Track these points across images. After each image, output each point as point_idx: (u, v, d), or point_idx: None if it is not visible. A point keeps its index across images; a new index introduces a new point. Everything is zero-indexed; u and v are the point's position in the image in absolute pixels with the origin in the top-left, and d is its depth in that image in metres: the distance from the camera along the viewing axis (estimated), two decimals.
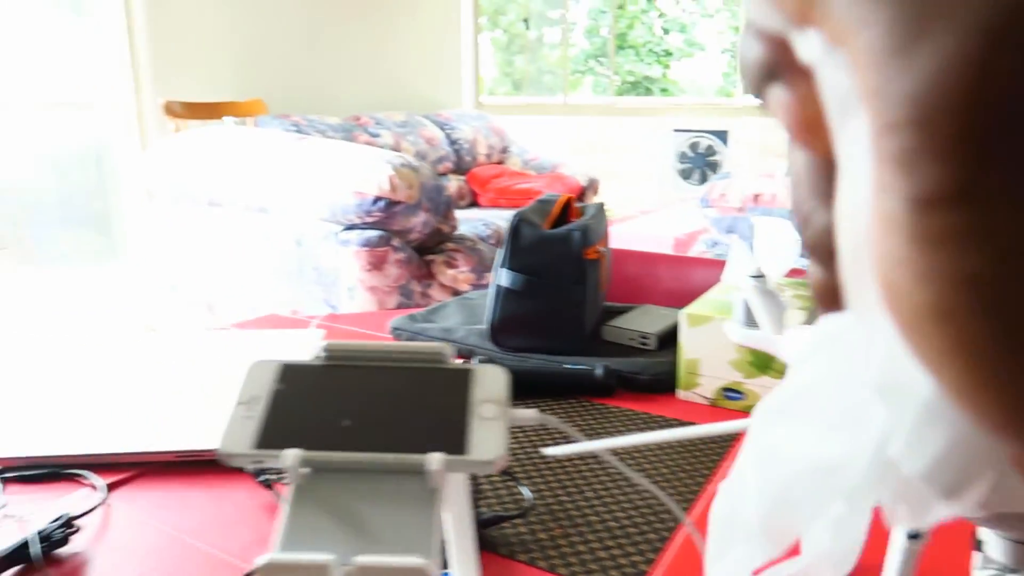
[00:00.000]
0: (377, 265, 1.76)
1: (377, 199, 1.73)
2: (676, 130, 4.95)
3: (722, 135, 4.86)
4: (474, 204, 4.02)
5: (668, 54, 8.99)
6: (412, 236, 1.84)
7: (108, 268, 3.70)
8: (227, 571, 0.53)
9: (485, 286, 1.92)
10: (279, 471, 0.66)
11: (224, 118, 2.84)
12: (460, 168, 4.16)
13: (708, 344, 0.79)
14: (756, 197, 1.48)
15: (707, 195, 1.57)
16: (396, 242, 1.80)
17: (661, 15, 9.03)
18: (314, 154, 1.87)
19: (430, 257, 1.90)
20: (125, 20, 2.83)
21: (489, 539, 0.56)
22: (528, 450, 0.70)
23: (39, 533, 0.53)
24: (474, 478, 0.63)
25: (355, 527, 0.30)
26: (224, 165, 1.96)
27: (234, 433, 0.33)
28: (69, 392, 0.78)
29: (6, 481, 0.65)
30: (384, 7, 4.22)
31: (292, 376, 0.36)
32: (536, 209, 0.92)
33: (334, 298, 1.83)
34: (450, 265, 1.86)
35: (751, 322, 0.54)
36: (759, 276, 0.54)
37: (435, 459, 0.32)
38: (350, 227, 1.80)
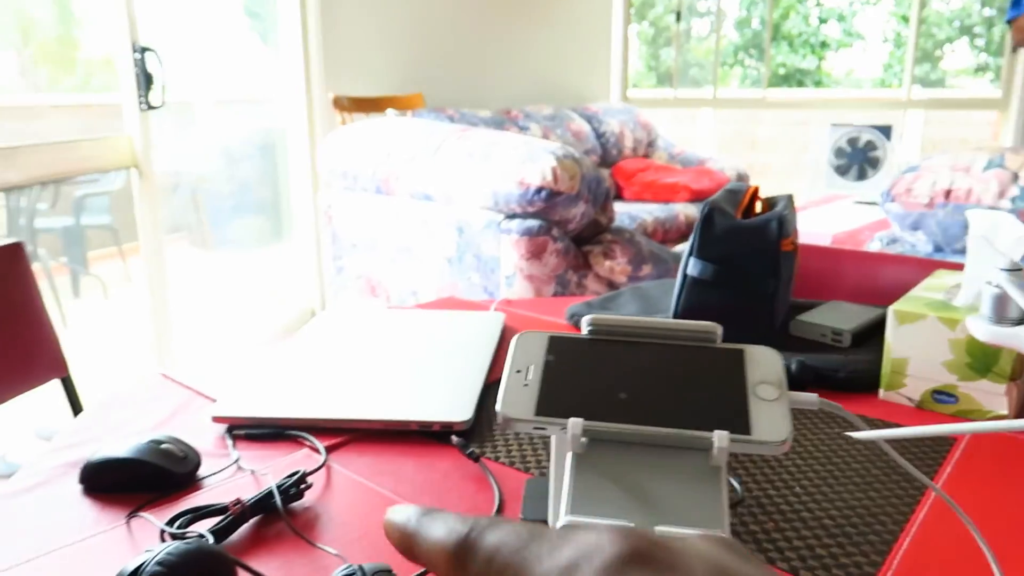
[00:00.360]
0: (536, 254, 1.78)
1: (539, 189, 1.75)
2: (834, 124, 4.70)
3: (885, 130, 4.57)
4: (618, 198, 3.99)
5: (824, 45, 8.55)
6: (571, 226, 1.85)
7: (275, 251, 3.96)
8: None
9: (641, 279, 1.90)
10: (481, 445, 0.68)
11: (387, 111, 2.96)
12: (606, 161, 4.14)
13: (918, 343, 0.75)
14: (948, 193, 1.38)
15: (890, 189, 1.48)
16: (555, 232, 1.82)
17: (818, 4, 8.59)
18: (478, 144, 1.91)
19: (587, 248, 1.91)
20: (300, 20, 3.00)
21: None
22: None
23: (277, 487, 0.57)
24: None
25: (644, 498, 0.31)
26: (391, 154, 2.04)
27: (513, 400, 0.35)
28: (287, 361, 0.83)
29: (236, 438, 0.70)
30: (537, 4, 4.25)
31: (561, 348, 0.37)
32: (726, 198, 0.90)
33: (492, 285, 1.87)
34: (607, 256, 1.85)
35: (1002, 318, 0.51)
36: (1015, 269, 0.50)
37: (722, 437, 0.32)
38: (511, 216, 1.83)
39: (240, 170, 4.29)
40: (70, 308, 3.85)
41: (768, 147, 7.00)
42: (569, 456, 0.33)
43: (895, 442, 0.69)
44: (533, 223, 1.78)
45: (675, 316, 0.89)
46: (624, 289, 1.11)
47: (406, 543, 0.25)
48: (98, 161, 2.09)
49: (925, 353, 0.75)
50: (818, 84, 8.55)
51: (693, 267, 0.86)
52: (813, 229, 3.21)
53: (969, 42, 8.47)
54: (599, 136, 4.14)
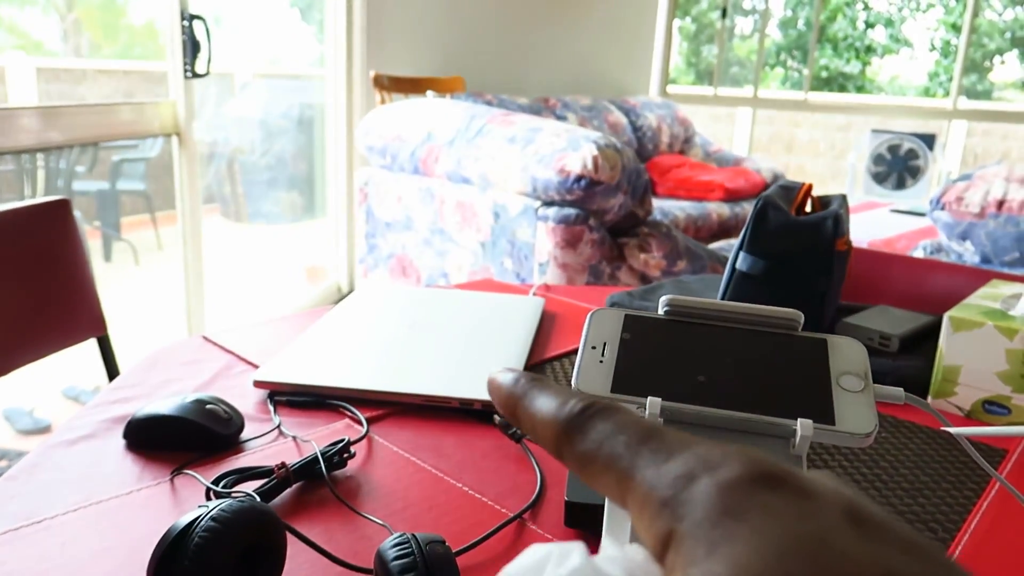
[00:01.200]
0: (572, 243, 1.77)
1: (579, 178, 1.74)
2: (874, 130, 4.62)
3: (928, 139, 4.49)
4: (652, 193, 3.95)
5: (870, 50, 8.41)
6: (608, 217, 1.84)
7: (308, 226, 3.98)
8: (486, 512, 0.55)
9: (675, 274, 1.88)
10: None
11: (427, 92, 2.95)
12: (642, 156, 4.10)
13: (973, 351, 0.73)
14: (1000, 203, 1.35)
15: (940, 197, 1.45)
16: (592, 222, 1.80)
17: (866, 8, 8.45)
18: (520, 130, 1.90)
19: (623, 240, 1.89)
20: None
21: None
22: None
23: (322, 453, 0.57)
24: None
25: None
26: (431, 135, 2.03)
27: (589, 376, 0.34)
28: (328, 331, 0.83)
29: (277, 404, 0.70)
30: None
31: (637, 327, 0.36)
32: (779, 194, 0.88)
33: (525, 271, 1.87)
34: (643, 249, 1.83)
35: None
36: None
37: (806, 425, 0.31)
38: (549, 203, 1.82)
39: (277, 144, 4.32)
40: (101, 272, 3.90)
41: (805, 150, 6.91)
42: None
43: (945, 452, 0.67)
44: (570, 211, 1.77)
45: None
46: (665, 281, 1.10)
47: (511, 404, 0.24)
48: (140, 126, 2.11)
49: (979, 362, 0.73)
50: (860, 89, 8.41)
51: (743, 262, 0.85)
52: (851, 237, 3.15)
53: (1020, 54, 8.29)
54: (636, 130, 4.11)
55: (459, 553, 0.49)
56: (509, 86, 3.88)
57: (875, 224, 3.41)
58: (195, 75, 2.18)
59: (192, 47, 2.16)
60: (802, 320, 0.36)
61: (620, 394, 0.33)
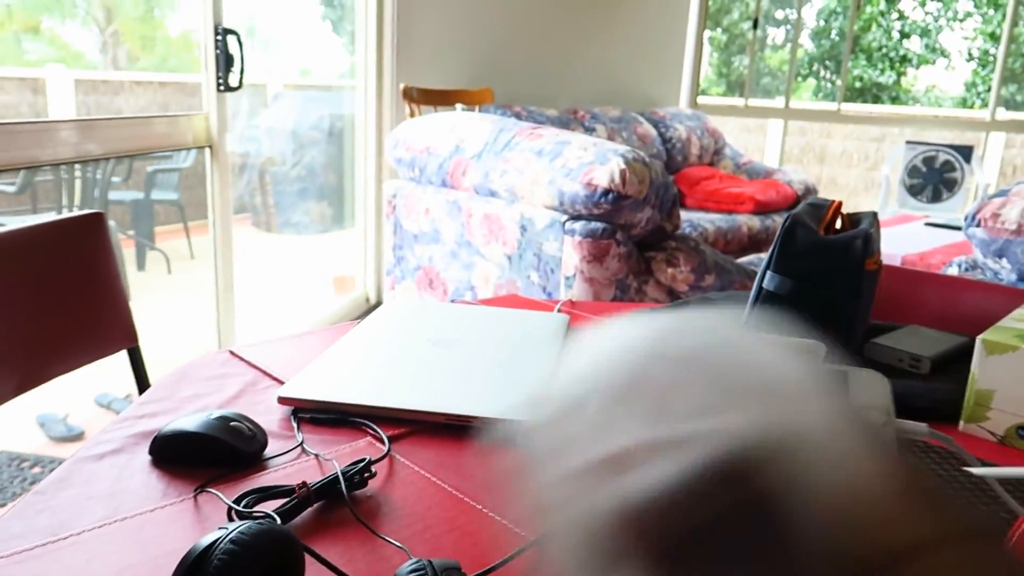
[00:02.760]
0: (599, 257, 1.77)
1: (607, 191, 1.73)
2: (909, 142, 4.55)
3: (965, 151, 4.41)
4: (681, 205, 3.93)
5: (905, 60, 8.30)
6: (635, 231, 1.83)
7: (337, 237, 4.02)
8: (508, 537, 0.54)
9: (703, 289, 1.87)
10: None
11: (456, 105, 2.97)
12: (671, 168, 4.09)
13: (1007, 375, 0.71)
14: None
15: (976, 213, 1.42)
16: (619, 236, 1.80)
17: (901, 17, 8.34)
18: (548, 143, 1.90)
19: (650, 254, 1.88)
20: (376, 10, 3.03)
21: None
22: None
23: (343, 473, 0.57)
24: None
25: None
26: (459, 147, 2.04)
27: None
28: (353, 347, 0.84)
29: (300, 421, 0.71)
30: (611, 5, 4.22)
31: None
32: (808, 212, 0.87)
33: (551, 285, 1.86)
34: (671, 264, 1.82)
35: None
36: None
37: None
38: (576, 217, 1.82)
39: (307, 155, 4.37)
40: (134, 280, 3.97)
41: (838, 162, 6.83)
42: None
43: (977, 479, 0.65)
44: (597, 225, 1.76)
45: None
46: (691, 299, 1.09)
47: None
48: (174, 138, 2.15)
49: (1013, 387, 0.71)
50: (895, 100, 8.29)
51: (770, 281, 0.84)
52: (883, 250, 3.11)
53: None
54: (665, 141, 4.09)
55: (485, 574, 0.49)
56: (538, 98, 3.89)
57: (909, 238, 3.35)
58: (228, 88, 2.22)
59: (225, 60, 2.19)
60: (824, 351, 0.36)
61: None
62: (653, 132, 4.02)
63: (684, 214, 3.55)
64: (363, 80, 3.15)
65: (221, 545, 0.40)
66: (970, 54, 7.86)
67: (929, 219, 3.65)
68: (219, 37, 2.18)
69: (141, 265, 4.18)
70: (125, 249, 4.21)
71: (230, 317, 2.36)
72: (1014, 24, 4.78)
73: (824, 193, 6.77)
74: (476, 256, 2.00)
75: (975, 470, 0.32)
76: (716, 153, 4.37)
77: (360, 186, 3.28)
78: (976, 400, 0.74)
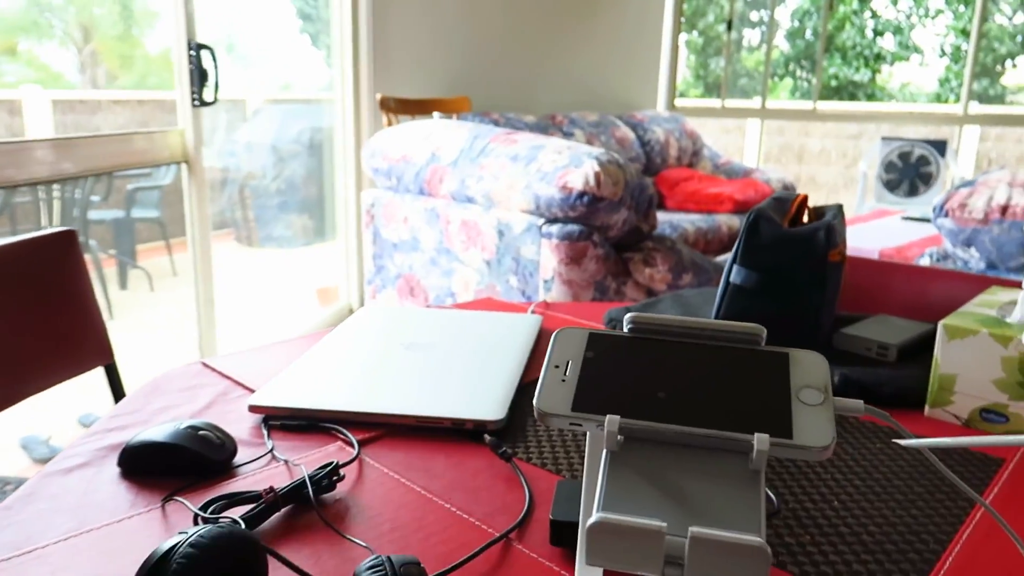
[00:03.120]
0: (576, 259, 1.77)
1: (582, 194, 1.74)
2: (884, 138, 4.60)
3: (939, 145, 4.46)
4: (661, 207, 3.95)
5: (879, 58, 8.39)
6: (612, 233, 1.84)
7: (319, 250, 4.01)
8: (473, 533, 0.55)
9: (681, 287, 1.88)
10: (514, 446, 0.68)
11: (433, 113, 2.98)
12: (650, 170, 4.11)
13: (969, 359, 0.72)
14: (1004, 209, 1.34)
15: (943, 204, 1.44)
16: (596, 238, 1.81)
17: (874, 16, 8.44)
18: (522, 148, 1.91)
19: (628, 255, 1.89)
20: (351, 21, 3.04)
21: None
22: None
23: (310, 477, 0.58)
24: None
25: (679, 498, 0.30)
26: (435, 155, 2.05)
27: (550, 395, 0.34)
28: (324, 355, 0.84)
29: (271, 428, 0.71)
30: (587, 10, 4.25)
31: (601, 345, 0.37)
32: (772, 206, 0.88)
33: (530, 289, 1.87)
34: (648, 264, 1.83)
35: None
36: None
37: (762, 440, 0.31)
38: (552, 220, 1.83)
39: (289, 169, 4.37)
40: (117, 299, 3.95)
41: (816, 160, 6.89)
42: (604, 453, 0.32)
43: (943, 458, 0.66)
44: (574, 228, 1.77)
45: None
46: (665, 296, 1.10)
47: None
48: (150, 155, 2.14)
49: (975, 370, 0.72)
50: (871, 97, 8.38)
51: (736, 275, 0.85)
52: (860, 244, 3.15)
53: None
54: (644, 144, 4.11)
55: (449, 571, 0.49)
56: (516, 104, 3.91)
57: (886, 232, 3.39)
58: (203, 103, 2.21)
59: (199, 76, 2.19)
60: (764, 335, 0.36)
61: (580, 412, 0.34)
62: (631, 135, 4.04)
63: (664, 215, 3.57)
64: (340, 92, 3.15)
65: (180, 549, 0.40)
66: (943, 50, 7.96)
67: (906, 213, 3.69)
68: (193, 52, 2.18)
69: (123, 284, 4.16)
70: (107, 268, 4.19)
71: (211, 332, 2.35)
72: (984, 19, 4.85)
73: (803, 190, 6.83)
74: (455, 262, 2.00)
75: (907, 442, 0.33)
76: (695, 154, 4.40)
77: (340, 197, 3.28)
78: (940, 385, 0.75)
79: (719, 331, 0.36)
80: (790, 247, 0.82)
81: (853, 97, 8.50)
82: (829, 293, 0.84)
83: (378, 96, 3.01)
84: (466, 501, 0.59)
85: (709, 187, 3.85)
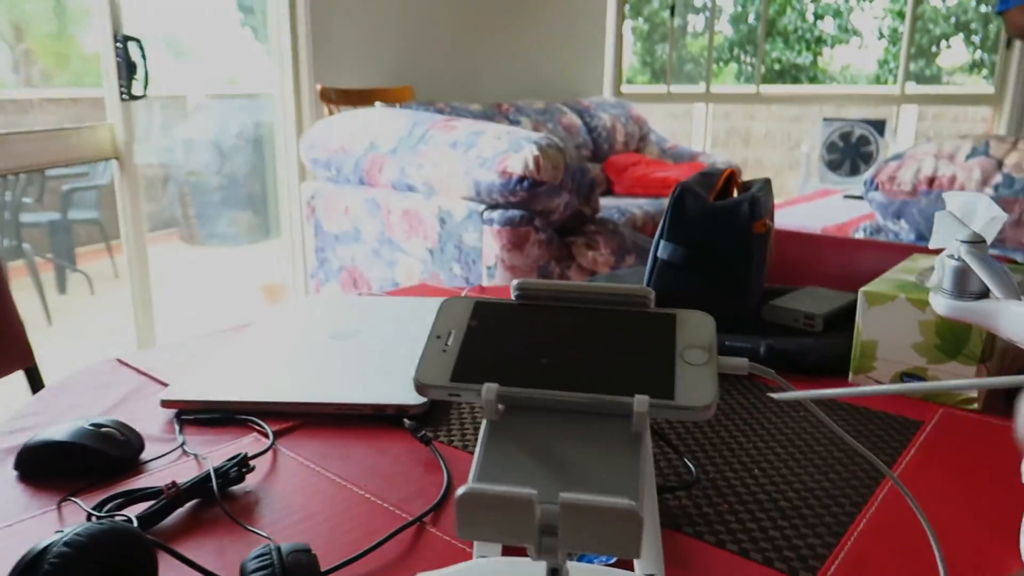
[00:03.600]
0: (518, 245, 1.76)
1: (522, 179, 1.73)
2: (826, 119, 4.68)
3: (878, 125, 4.56)
4: (609, 192, 3.97)
5: (820, 41, 8.53)
6: (554, 217, 1.83)
7: (264, 246, 3.93)
8: (387, 518, 0.53)
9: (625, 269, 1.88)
10: (435, 430, 0.66)
11: (376, 104, 2.93)
12: (597, 156, 4.12)
13: (888, 325, 0.73)
14: (931, 180, 1.36)
15: (873, 177, 1.46)
16: (538, 222, 1.80)
17: (814, 0, 8.58)
18: (461, 134, 1.89)
19: (571, 239, 1.89)
20: (289, 11, 2.98)
21: None
22: (688, 424, 0.67)
23: (216, 470, 0.55)
24: None
25: (555, 466, 0.29)
26: (374, 144, 2.02)
27: (430, 366, 0.33)
28: (244, 347, 0.81)
29: (183, 423, 0.68)
30: None
31: (486, 313, 0.35)
32: (699, 181, 0.88)
33: (474, 276, 1.85)
34: (590, 247, 1.83)
35: (962, 292, 0.49)
36: (977, 241, 0.49)
37: (642, 402, 0.30)
38: (493, 206, 1.82)
39: (233, 165, 4.27)
40: (56, 304, 3.82)
41: (763, 143, 6.98)
42: (484, 424, 0.31)
43: (861, 426, 0.67)
44: (515, 213, 1.76)
45: None
46: (598, 276, 1.09)
47: None
48: (78, 152, 2.07)
49: (895, 335, 0.73)
50: (813, 80, 8.52)
51: (663, 250, 0.85)
52: (803, 224, 3.20)
53: (965, 39, 8.45)
54: (591, 130, 4.12)
55: (352, 560, 0.47)
56: (461, 94, 3.88)
57: (828, 211, 3.45)
58: (132, 97, 2.14)
59: (127, 69, 2.12)
60: (653, 296, 0.35)
61: (459, 383, 0.32)
62: (578, 122, 4.05)
63: (612, 201, 3.58)
64: (280, 84, 3.09)
65: (55, 548, 0.38)
66: (881, 32, 8.14)
67: (847, 192, 3.76)
68: (119, 45, 2.11)
69: (62, 288, 4.03)
70: (44, 273, 4.05)
71: (149, 334, 2.29)
72: (918, 1, 4.95)
73: (750, 173, 6.91)
74: (398, 253, 1.98)
75: (790, 395, 0.32)
76: (641, 139, 4.42)
77: (284, 192, 3.22)
78: (862, 351, 0.75)
79: (606, 294, 0.35)
80: (715, 220, 0.82)
81: (796, 80, 8.64)
82: (755, 265, 0.84)
83: (318, 87, 2.95)
84: (382, 487, 0.58)
85: (656, 171, 3.87)
